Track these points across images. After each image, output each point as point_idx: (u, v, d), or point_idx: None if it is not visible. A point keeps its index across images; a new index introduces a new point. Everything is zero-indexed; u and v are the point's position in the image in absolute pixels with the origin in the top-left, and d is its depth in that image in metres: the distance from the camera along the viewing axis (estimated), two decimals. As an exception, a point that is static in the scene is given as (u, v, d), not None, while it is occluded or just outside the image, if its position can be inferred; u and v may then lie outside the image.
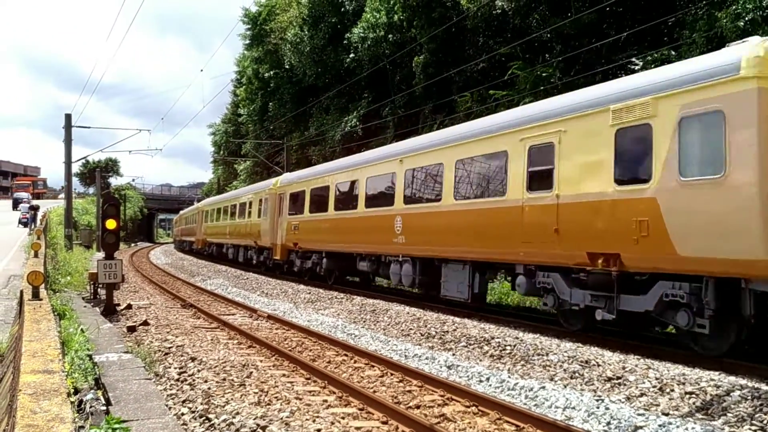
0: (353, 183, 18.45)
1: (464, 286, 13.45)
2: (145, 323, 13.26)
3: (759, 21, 13.57)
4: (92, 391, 6.87)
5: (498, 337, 10.58)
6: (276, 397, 7.44)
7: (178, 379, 8.33)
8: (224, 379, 8.29)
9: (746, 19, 13.71)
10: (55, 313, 10.37)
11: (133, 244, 70.57)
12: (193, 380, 8.23)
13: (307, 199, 21.89)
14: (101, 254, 19.68)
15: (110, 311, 14.65)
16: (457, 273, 13.68)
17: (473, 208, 12.87)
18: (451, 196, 13.48)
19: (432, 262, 14.67)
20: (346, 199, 18.88)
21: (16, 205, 57.49)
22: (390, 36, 28.99)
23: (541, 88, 19.38)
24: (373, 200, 17.20)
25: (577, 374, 8.33)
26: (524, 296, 14.39)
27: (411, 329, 12.17)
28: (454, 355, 10.07)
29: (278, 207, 24.94)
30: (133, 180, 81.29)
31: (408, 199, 15.31)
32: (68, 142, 34.72)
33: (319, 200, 20.91)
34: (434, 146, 14.54)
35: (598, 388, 7.79)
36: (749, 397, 6.87)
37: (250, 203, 29.28)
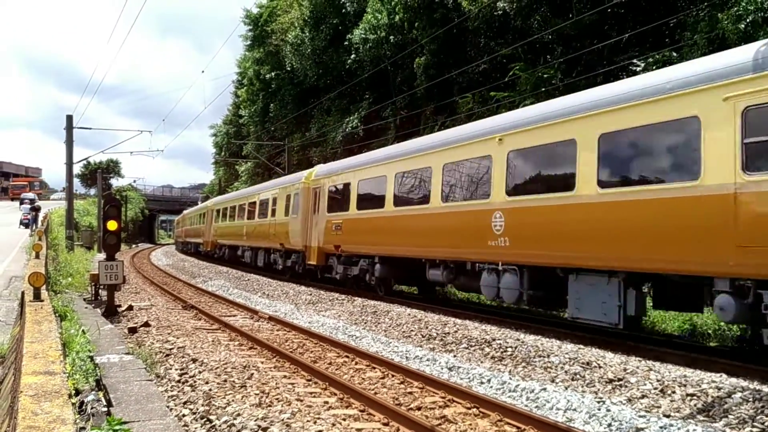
0: (423, 172, 15.03)
1: (611, 306, 9.92)
2: (146, 324, 13.26)
3: (760, 22, 13.57)
4: (93, 392, 6.87)
5: (499, 339, 10.57)
6: (277, 399, 7.44)
7: (179, 381, 8.33)
8: (225, 381, 8.28)
9: (747, 20, 13.72)
10: (57, 315, 10.38)
11: (134, 245, 70.62)
12: (194, 381, 8.23)
13: (354, 193, 18.40)
14: (102, 255, 19.69)
15: (111, 312, 14.65)
16: (597, 288, 10.22)
17: (635, 198, 9.54)
18: (593, 184, 10.18)
19: (551, 272, 11.32)
20: (413, 192, 15.55)
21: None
22: (391, 37, 29.03)
23: (543, 89, 19.39)
24: (454, 192, 13.93)
25: (578, 376, 8.32)
26: (729, 324, 10.75)
27: (412, 331, 12.17)
28: (455, 356, 10.07)
29: (313, 203, 21.56)
30: (135, 181, 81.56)
31: (514, 190, 12.00)
32: (69, 143, 34.78)
33: (373, 194, 17.57)
34: (556, 118, 11.09)
35: (599, 389, 7.78)
36: (751, 399, 6.86)
37: (275, 200, 25.96)
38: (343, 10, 34.70)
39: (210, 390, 7.75)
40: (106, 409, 6.32)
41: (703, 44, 14.97)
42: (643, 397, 7.32)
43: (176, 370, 8.95)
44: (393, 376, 9.00)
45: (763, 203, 7.82)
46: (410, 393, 8.09)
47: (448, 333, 11.47)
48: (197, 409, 6.94)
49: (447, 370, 9.32)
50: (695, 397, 7.11)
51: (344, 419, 6.88)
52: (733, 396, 7.00)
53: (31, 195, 64.14)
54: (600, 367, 8.50)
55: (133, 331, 12.50)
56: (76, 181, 65.66)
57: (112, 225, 14.89)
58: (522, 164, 11.97)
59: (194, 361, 9.52)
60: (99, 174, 56.80)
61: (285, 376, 8.97)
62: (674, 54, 16.29)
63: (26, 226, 41.16)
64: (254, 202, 29.46)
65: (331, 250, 19.74)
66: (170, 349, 10.60)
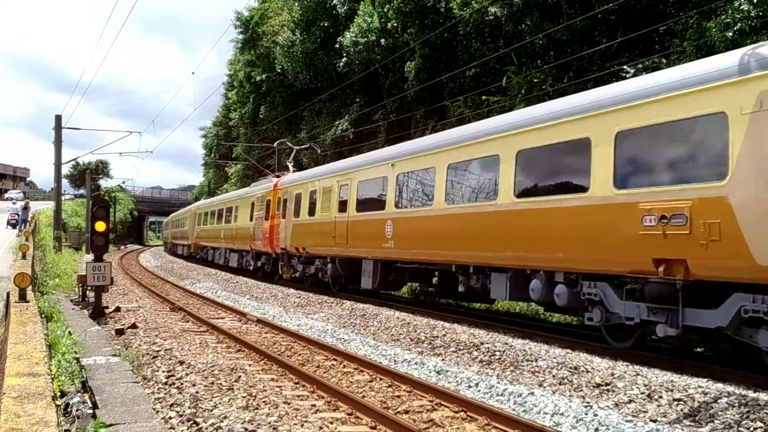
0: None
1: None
2: (134, 326, 13.17)
3: (746, 31, 13.70)
4: (79, 394, 6.82)
5: (487, 343, 10.58)
6: (264, 402, 7.41)
7: (165, 383, 8.28)
8: (212, 383, 8.24)
9: (735, 29, 13.85)
10: (43, 316, 10.30)
11: (122, 247, 70.18)
12: (181, 384, 8.18)
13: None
14: (90, 256, 19.56)
15: (98, 314, 14.55)
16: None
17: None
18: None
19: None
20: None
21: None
22: (382, 40, 29.01)
23: (534, 94, 19.46)
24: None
25: (565, 380, 8.34)
26: None
27: (400, 334, 12.15)
28: (443, 360, 10.06)
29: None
30: (124, 182, 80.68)
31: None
32: (58, 143, 34.53)
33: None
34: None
35: (586, 394, 7.80)
36: (736, 404, 6.90)
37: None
38: (334, 12, 34.65)
39: (197, 392, 7.71)
40: (91, 411, 6.27)
41: (692, 51, 15.09)
42: (630, 401, 7.34)
43: (163, 372, 8.90)
44: (381, 379, 8.99)
45: None
46: (398, 396, 8.08)
47: (437, 336, 11.46)
48: (184, 412, 6.90)
49: (435, 373, 9.32)
50: (682, 402, 7.14)
51: (332, 422, 6.86)
52: (719, 401, 7.04)
53: (15, 192, 63.51)
54: (587, 371, 8.52)
55: (120, 332, 12.40)
56: (65, 182, 65.23)
57: (100, 226, 14.81)
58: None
59: (181, 363, 9.47)
60: (88, 175, 56.51)
61: (272, 379, 8.93)
62: (663, 60, 16.42)
63: (13, 226, 40.83)
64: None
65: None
66: (157, 351, 10.53)
